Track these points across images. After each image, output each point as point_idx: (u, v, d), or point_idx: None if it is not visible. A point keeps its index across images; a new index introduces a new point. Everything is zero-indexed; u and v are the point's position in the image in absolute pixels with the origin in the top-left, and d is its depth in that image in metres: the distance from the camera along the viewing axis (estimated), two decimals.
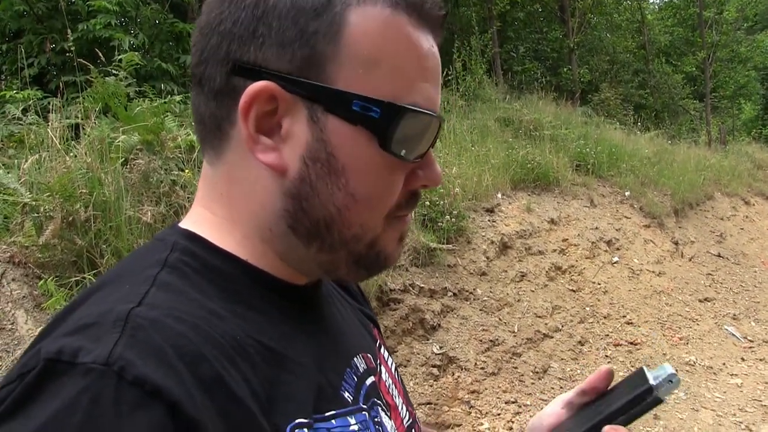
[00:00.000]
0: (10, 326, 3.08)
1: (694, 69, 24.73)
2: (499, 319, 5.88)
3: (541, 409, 1.08)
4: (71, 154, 4.10)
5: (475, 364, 5.27)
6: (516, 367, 5.51)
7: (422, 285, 5.45)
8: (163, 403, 0.54)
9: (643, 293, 7.81)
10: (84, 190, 3.66)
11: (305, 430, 0.67)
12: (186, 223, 0.78)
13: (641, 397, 0.91)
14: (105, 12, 7.04)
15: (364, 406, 0.80)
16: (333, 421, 0.72)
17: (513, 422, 4.79)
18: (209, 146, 0.76)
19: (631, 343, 6.74)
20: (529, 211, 7.60)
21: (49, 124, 4.36)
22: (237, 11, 0.69)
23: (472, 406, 4.86)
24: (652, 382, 0.91)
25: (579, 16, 19.52)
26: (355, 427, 0.75)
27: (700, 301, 8.42)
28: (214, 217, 0.77)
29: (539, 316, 6.26)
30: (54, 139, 4.15)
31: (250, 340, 0.67)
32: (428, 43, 0.74)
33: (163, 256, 0.70)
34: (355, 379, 0.82)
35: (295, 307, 0.79)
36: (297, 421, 0.67)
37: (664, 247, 9.36)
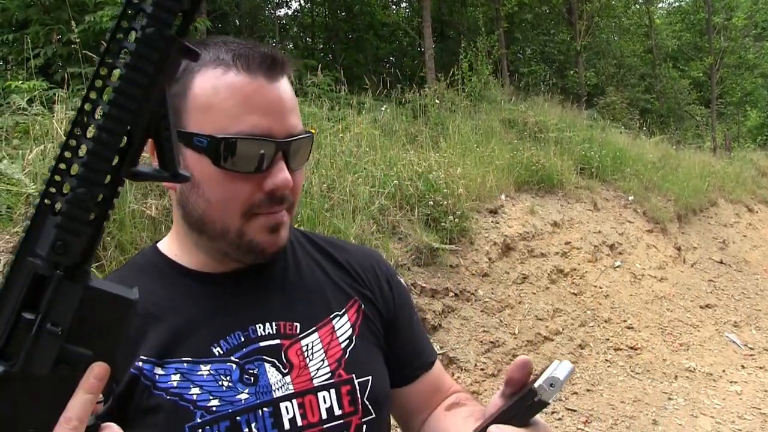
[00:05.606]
0: None
1: (701, 74, 24.71)
2: (500, 320, 5.87)
3: None
4: None
5: (475, 365, 5.26)
6: None
7: (424, 285, 5.44)
8: None
9: (644, 298, 7.80)
10: None
11: (150, 365, 1.02)
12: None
13: (525, 398, 0.93)
14: (112, 4, 7.04)
15: (235, 359, 1.08)
16: (185, 364, 1.04)
17: None
18: None
19: (632, 348, 6.74)
20: (533, 213, 7.59)
21: (54, 115, 4.35)
22: None
23: None
24: (537, 383, 0.91)
25: (587, 18, 19.52)
26: (205, 373, 1.05)
27: (701, 307, 8.41)
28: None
29: (540, 319, 6.26)
30: (59, 130, 4.15)
31: (148, 305, 1.05)
32: (256, 84, 1.03)
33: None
34: (242, 340, 1.10)
35: (202, 287, 1.13)
36: (142, 357, 1.03)
37: (666, 252, 9.35)
